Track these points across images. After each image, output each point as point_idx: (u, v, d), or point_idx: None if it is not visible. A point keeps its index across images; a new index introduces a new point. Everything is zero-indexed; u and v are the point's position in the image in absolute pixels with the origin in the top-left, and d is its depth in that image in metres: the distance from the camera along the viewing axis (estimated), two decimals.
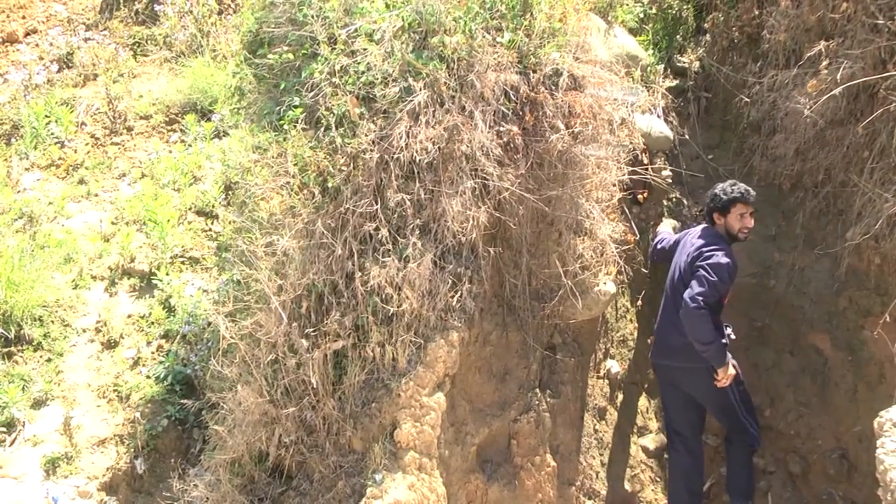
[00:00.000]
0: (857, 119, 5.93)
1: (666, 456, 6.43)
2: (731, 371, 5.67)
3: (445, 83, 4.92)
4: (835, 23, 6.13)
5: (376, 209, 4.72)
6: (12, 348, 5.78)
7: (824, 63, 6.05)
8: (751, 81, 6.69)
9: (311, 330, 4.66)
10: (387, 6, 5.14)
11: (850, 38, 5.98)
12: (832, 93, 5.81)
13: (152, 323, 6.09)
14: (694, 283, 5.59)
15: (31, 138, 7.49)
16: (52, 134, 7.60)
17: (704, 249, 5.69)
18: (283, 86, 5.15)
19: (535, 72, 5.22)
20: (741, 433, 6.05)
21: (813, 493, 6.30)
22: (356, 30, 5.05)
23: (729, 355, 5.69)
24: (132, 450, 5.44)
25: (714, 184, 6.41)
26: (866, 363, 6.07)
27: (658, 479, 6.41)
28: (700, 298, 5.48)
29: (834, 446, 6.24)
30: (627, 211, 6.35)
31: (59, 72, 8.44)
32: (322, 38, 5.03)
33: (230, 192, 6.79)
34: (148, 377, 5.77)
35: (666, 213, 6.88)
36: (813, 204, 6.42)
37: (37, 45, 8.89)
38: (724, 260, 5.61)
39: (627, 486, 6.21)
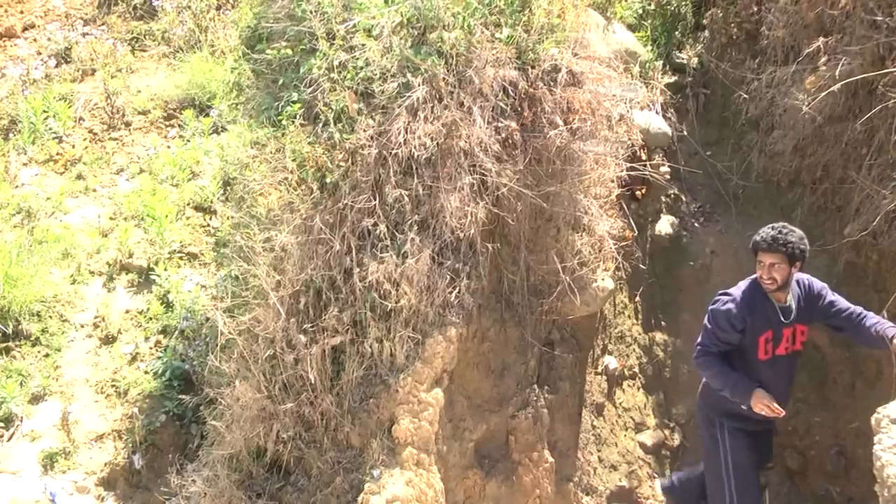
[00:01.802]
0: (856, 116, 5.93)
1: (663, 452, 6.45)
2: (763, 400, 4.96)
3: (444, 79, 4.91)
4: (833, 19, 6.13)
5: (374, 205, 4.71)
6: (10, 343, 5.78)
7: (823, 59, 6.05)
8: (749, 78, 6.70)
9: (310, 325, 4.66)
10: (385, 1, 5.13)
11: (849, 35, 5.97)
12: (831, 89, 5.81)
13: (150, 318, 6.08)
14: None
15: (29, 133, 7.48)
16: (50, 129, 7.58)
17: (718, 293, 5.30)
18: (281, 81, 5.14)
19: (533, 68, 5.22)
20: None
21: (810, 489, 6.32)
22: (355, 25, 5.04)
23: (756, 388, 5.02)
24: (130, 445, 5.44)
25: (712, 181, 6.41)
26: (864, 360, 6.08)
27: (655, 476, 6.42)
28: (698, 347, 5.24)
29: (832, 443, 6.25)
30: (625, 207, 6.35)
31: (56, 67, 8.42)
32: (320, 33, 5.02)
33: (228, 188, 6.77)
34: (146, 372, 5.77)
35: (664, 210, 6.89)
36: (811, 200, 6.42)
37: (35, 39, 8.86)
38: (724, 307, 5.12)
39: (625, 482, 6.21)
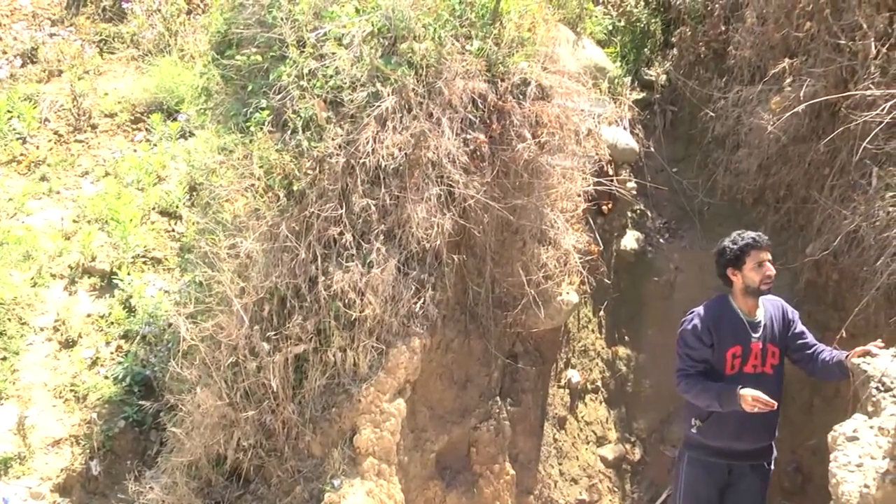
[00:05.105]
0: (819, 136, 6.00)
1: (624, 466, 6.48)
2: (749, 396, 4.76)
3: (413, 89, 4.93)
4: (799, 41, 6.22)
5: (341, 214, 4.71)
6: None
7: (788, 80, 6.13)
8: (716, 96, 6.76)
9: (273, 333, 4.63)
10: (356, 11, 5.14)
11: (814, 57, 6.06)
12: (795, 110, 5.88)
13: (112, 323, 6.02)
14: None
15: None
16: (15, 129, 7.49)
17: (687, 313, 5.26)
18: (250, 87, 5.13)
19: (503, 80, 5.24)
20: None
21: None
22: (325, 33, 5.04)
23: (740, 388, 4.82)
24: (87, 451, 5.37)
25: (678, 197, 6.42)
26: None
27: (616, 489, 6.44)
28: (677, 373, 5.11)
29: (789, 459, 6.30)
30: (591, 222, 6.38)
31: (22, 67, 8.32)
32: (291, 40, 5.02)
33: (194, 193, 6.73)
34: (106, 378, 5.71)
35: (629, 225, 6.93)
36: (774, 219, 6.49)
37: (0, 38, 8.76)
38: (690, 325, 5.08)
39: (586, 496, 6.23)
